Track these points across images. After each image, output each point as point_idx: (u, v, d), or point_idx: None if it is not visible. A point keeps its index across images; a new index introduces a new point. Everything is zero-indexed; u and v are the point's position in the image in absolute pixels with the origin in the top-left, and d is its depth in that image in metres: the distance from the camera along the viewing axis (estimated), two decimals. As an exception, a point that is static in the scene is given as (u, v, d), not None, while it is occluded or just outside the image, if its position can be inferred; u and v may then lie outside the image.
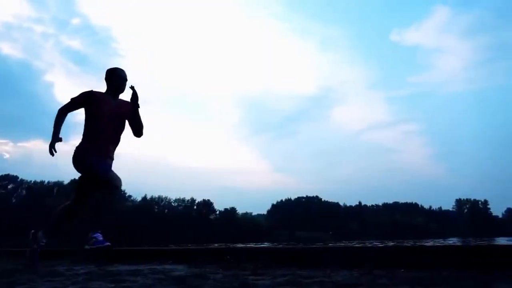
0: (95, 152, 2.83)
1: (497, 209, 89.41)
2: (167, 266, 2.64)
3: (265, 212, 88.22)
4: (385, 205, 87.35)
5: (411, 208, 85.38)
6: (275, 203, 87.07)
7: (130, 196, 69.67)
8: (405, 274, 2.04)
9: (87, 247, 2.81)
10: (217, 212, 78.66)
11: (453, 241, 21.38)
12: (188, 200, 77.70)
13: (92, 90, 2.95)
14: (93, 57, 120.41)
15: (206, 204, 77.82)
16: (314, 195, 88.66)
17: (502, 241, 18.32)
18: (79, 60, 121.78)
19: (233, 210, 79.99)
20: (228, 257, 2.63)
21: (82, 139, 2.89)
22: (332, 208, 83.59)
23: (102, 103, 2.92)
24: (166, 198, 76.27)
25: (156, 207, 73.39)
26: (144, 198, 71.42)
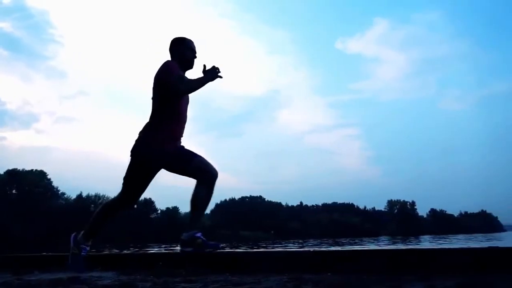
0: (174, 140, 2.39)
1: (422, 210, 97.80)
2: (94, 274, 2.50)
3: (208, 212, 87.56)
4: (325, 205, 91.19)
5: (348, 208, 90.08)
6: (219, 202, 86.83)
7: (63, 193, 65.24)
8: (332, 278, 2.14)
9: (188, 249, 2.30)
10: (159, 212, 76.50)
11: (384, 240, 22.95)
12: (128, 199, 74.69)
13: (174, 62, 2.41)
14: (26, 42, 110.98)
15: (147, 203, 75.24)
16: (258, 195, 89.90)
17: (425, 239, 20.12)
18: (9, 44, 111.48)
19: (175, 209, 78.28)
20: (161, 263, 2.57)
21: (157, 121, 2.36)
22: (275, 207, 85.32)
23: None
24: (104, 196, 72.39)
25: (93, 205, 69.38)
26: (80, 196, 67.17)
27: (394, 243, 16.69)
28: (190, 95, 2.48)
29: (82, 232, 2.54)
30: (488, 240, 17.60)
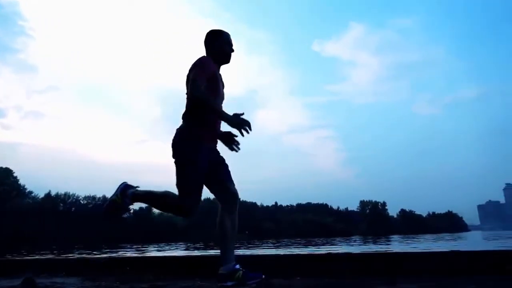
0: (213, 140, 2.21)
1: (393, 210, 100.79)
2: (57, 280, 2.41)
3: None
4: (299, 205, 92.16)
5: (322, 209, 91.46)
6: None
7: (30, 192, 62.79)
8: (301, 283, 2.15)
9: (229, 284, 2.00)
10: (131, 211, 74.91)
11: (356, 240, 23.40)
12: (99, 198, 72.60)
13: (208, 57, 2.23)
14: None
15: (120, 203, 73.51)
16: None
17: (395, 239, 20.66)
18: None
19: (149, 209, 76.89)
20: (128, 268, 2.50)
21: (194, 119, 2.15)
22: (250, 208, 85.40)
23: (218, 76, 2.24)
24: (73, 195, 70.33)
25: (62, 204, 67.19)
26: (48, 195, 64.80)
27: (365, 243, 17.07)
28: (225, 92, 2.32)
29: (134, 189, 2.25)
30: (454, 239, 18.30)
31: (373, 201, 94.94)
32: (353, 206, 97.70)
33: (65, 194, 68.26)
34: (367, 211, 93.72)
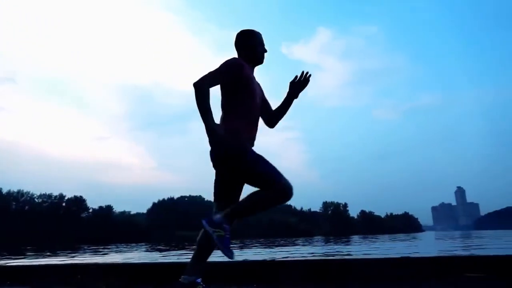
0: (251, 140, 2.09)
1: (353, 211, 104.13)
2: (1, 290, 2.28)
3: (145, 211, 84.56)
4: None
5: (287, 209, 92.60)
6: (156, 201, 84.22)
7: (-21, 190, 58.88)
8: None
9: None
10: (90, 210, 72.08)
11: (318, 240, 23.91)
12: (55, 196, 69.34)
13: (240, 59, 2.15)
14: None
15: (78, 201, 70.58)
16: (198, 195, 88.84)
17: (355, 240, 21.36)
18: None
19: (109, 208, 74.38)
20: (79, 276, 2.42)
21: (232, 120, 2.04)
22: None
23: (252, 78, 2.16)
24: (27, 193, 66.67)
25: (14, 203, 63.46)
26: (-1, 193, 61.11)
27: (327, 243, 17.48)
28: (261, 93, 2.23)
29: (221, 214, 2.04)
30: (409, 240, 19.17)
31: (336, 202, 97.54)
32: (316, 207, 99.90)
33: (18, 191, 64.56)
34: (330, 212, 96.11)
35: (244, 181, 2.06)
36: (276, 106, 2.32)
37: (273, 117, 2.30)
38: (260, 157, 2.01)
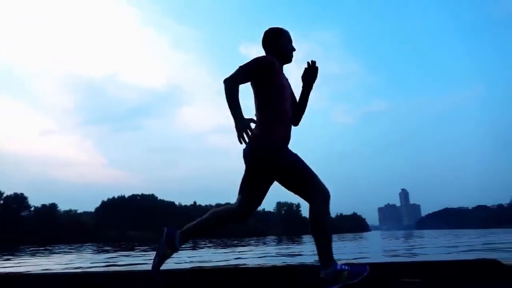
0: (287, 138, 2.02)
1: (305, 211, 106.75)
2: None
3: (93, 210, 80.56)
4: (219, 205, 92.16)
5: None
6: (105, 200, 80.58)
7: None
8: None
9: (337, 287, 1.79)
10: (32, 209, 67.35)
11: (270, 240, 24.25)
12: (-7, 193, 63.97)
13: (272, 57, 2.07)
14: None
15: (18, 199, 65.64)
16: (150, 193, 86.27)
17: (306, 239, 21.95)
18: None
19: (53, 206, 70.00)
20: None
21: (267, 119, 1.98)
22: (168, 207, 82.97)
23: (283, 75, 2.11)
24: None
25: None
26: None
27: (279, 243, 17.82)
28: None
29: (180, 231, 2.11)
30: (356, 239, 20.08)
31: (289, 202, 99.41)
32: (270, 207, 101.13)
33: None
34: (283, 212, 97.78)
35: (278, 179, 2.03)
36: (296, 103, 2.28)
37: (295, 115, 2.24)
38: (296, 156, 2.01)
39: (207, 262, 6.55)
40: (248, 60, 2.01)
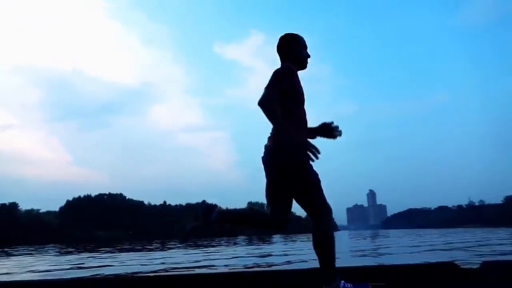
0: (305, 146, 1.94)
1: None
2: None
3: (57, 209, 77.42)
4: (189, 205, 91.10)
5: (212, 209, 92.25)
6: (70, 199, 77.69)
7: None
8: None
9: None
10: (-9, 208, 63.84)
11: (240, 241, 24.29)
12: None
13: (291, 65, 2.06)
14: None
15: (-26, 198, 62.04)
16: (118, 193, 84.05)
17: (276, 239, 22.18)
18: None
19: (13, 205, 66.73)
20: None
21: (289, 128, 1.95)
22: (136, 206, 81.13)
23: (300, 84, 2.08)
24: None
25: None
26: None
27: (249, 243, 17.92)
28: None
29: (218, 210, 2.18)
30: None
31: (260, 202, 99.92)
32: (241, 207, 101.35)
33: None
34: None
35: (293, 191, 2.05)
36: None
37: None
38: (317, 175, 2.03)
39: (179, 263, 6.51)
40: (271, 76, 2.00)
